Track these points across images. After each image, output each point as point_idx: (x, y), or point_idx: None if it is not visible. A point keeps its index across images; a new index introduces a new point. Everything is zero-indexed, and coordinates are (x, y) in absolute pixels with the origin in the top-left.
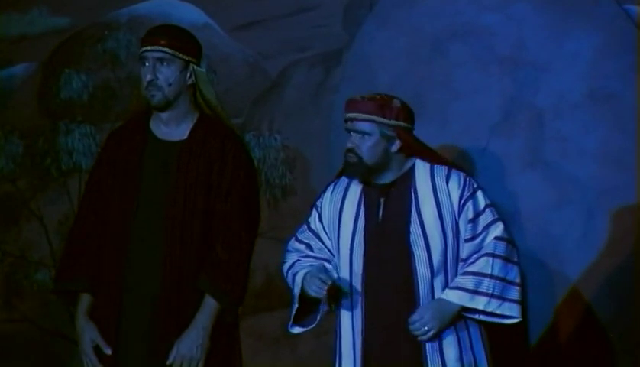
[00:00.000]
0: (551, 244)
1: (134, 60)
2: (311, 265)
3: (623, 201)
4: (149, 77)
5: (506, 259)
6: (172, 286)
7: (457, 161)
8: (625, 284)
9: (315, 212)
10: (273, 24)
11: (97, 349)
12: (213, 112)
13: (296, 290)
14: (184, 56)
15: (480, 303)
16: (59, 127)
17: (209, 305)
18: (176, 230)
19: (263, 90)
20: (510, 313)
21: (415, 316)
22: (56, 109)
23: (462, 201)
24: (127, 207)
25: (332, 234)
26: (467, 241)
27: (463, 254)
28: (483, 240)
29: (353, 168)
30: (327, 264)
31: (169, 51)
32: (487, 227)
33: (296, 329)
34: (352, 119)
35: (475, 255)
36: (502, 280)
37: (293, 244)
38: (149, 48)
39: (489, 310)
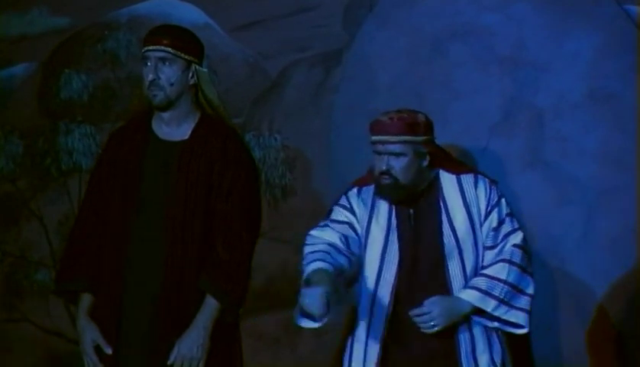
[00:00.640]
0: (551, 244)
1: (134, 60)
2: (321, 260)
3: (623, 201)
4: (151, 77)
5: (522, 268)
6: (172, 286)
7: None
8: (625, 284)
9: (339, 208)
10: (273, 24)
11: (98, 349)
12: (215, 112)
13: (304, 277)
14: (186, 56)
15: (489, 305)
16: (59, 127)
17: (210, 305)
18: (176, 230)
19: (263, 90)
20: (516, 320)
21: (423, 309)
22: (56, 109)
23: (488, 208)
24: (127, 207)
25: (362, 231)
26: (487, 248)
27: (485, 261)
28: (502, 248)
29: (389, 189)
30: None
31: (172, 51)
32: (507, 236)
33: (304, 323)
34: (382, 142)
35: (493, 259)
36: (515, 288)
37: (320, 230)
38: (151, 48)
39: (496, 313)
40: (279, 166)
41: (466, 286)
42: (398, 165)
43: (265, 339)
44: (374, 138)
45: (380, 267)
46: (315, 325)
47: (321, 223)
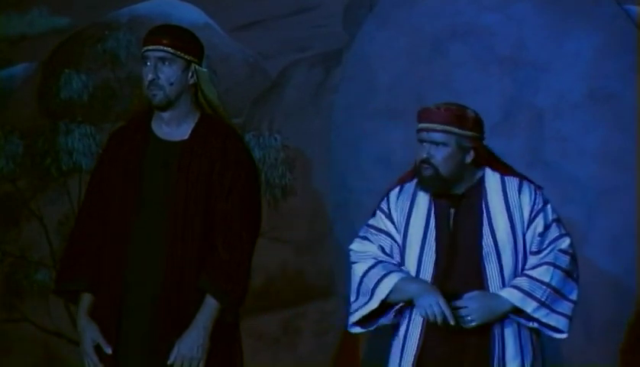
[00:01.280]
0: None
1: (134, 60)
2: (399, 272)
3: (623, 201)
4: (150, 76)
5: (567, 273)
6: (173, 286)
7: None
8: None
9: (381, 215)
10: (273, 24)
11: (98, 349)
12: (214, 112)
13: (380, 294)
14: (186, 56)
15: (529, 306)
16: (59, 127)
17: (210, 305)
18: (177, 230)
19: (263, 90)
20: (557, 324)
21: (461, 302)
22: (56, 109)
23: (533, 214)
24: (128, 207)
25: (399, 238)
26: (532, 254)
27: (528, 266)
28: (548, 254)
29: (429, 180)
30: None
31: (171, 51)
32: (554, 241)
33: (356, 329)
34: (427, 129)
35: (537, 262)
36: (557, 292)
37: (363, 245)
38: (151, 47)
39: (535, 315)
40: (279, 166)
41: (507, 285)
42: (439, 155)
43: (265, 339)
44: (419, 125)
45: (418, 267)
46: (364, 330)
47: (361, 233)
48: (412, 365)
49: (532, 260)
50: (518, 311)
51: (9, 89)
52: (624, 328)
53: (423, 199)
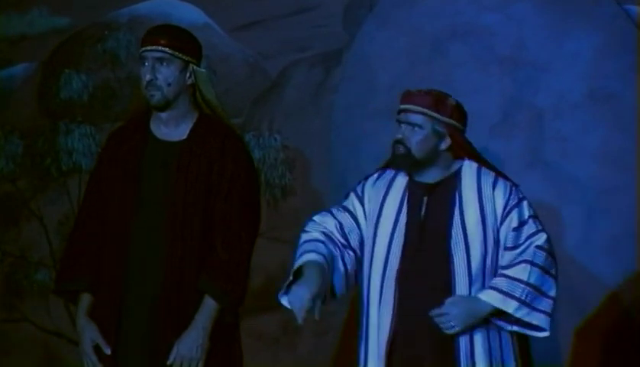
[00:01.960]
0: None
1: (134, 60)
2: (319, 255)
3: (623, 201)
4: (148, 77)
5: (544, 270)
6: (172, 286)
7: None
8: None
9: (353, 196)
10: (273, 24)
11: (97, 349)
12: (213, 112)
13: (291, 274)
14: (183, 57)
15: (510, 306)
16: (59, 127)
17: (209, 305)
18: (176, 230)
19: (263, 90)
20: (538, 322)
21: (442, 310)
22: (56, 109)
23: (507, 209)
24: (127, 207)
25: (370, 222)
26: (508, 249)
27: (504, 262)
28: (524, 250)
29: (401, 160)
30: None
31: (169, 51)
32: (530, 237)
33: (284, 300)
34: (405, 111)
35: (514, 260)
36: (537, 289)
37: (323, 216)
38: (149, 48)
39: (517, 315)
40: (279, 166)
41: (486, 287)
42: (414, 137)
43: (265, 339)
44: (399, 107)
45: (388, 252)
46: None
47: (332, 208)
48: (385, 353)
49: (508, 256)
50: (499, 313)
51: (9, 89)
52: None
53: (399, 186)
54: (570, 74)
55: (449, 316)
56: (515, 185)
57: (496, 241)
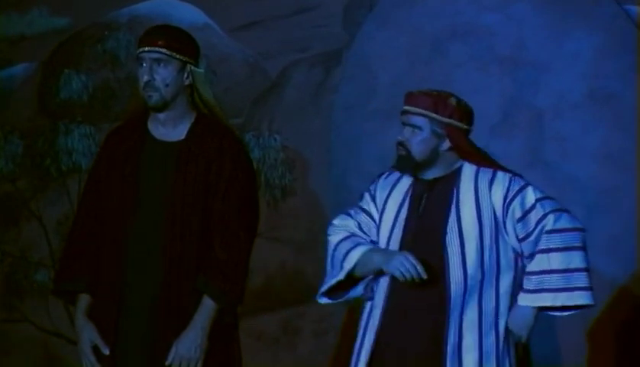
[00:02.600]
0: None
1: (133, 60)
2: (368, 244)
3: (623, 201)
4: (146, 78)
5: (564, 249)
6: (171, 286)
7: None
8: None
9: (367, 195)
10: (273, 24)
11: (96, 349)
12: (210, 112)
13: (347, 265)
14: (181, 57)
15: (546, 300)
16: (59, 127)
17: (207, 305)
18: (175, 230)
19: (263, 90)
20: (582, 301)
21: (509, 328)
22: (55, 109)
23: (507, 201)
24: (126, 208)
25: (377, 217)
26: (522, 240)
27: (526, 253)
28: (537, 239)
29: (402, 161)
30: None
31: (166, 52)
32: (539, 222)
33: (324, 300)
34: (406, 112)
35: (532, 251)
36: (565, 271)
37: (343, 219)
38: (146, 49)
39: (558, 304)
40: (279, 166)
41: (520, 291)
42: (413, 139)
43: (265, 339)
44: (402, 108)
45: (387, 244)
46: (333, 302)
47: (348, 210)
48: (372, 343)
49: (526, 246)
50: (546, 307)
51: (9, 89)
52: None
53: (404, 182)
54: (570, 74)
55: (514, 333)
56: (516, 175)
57: (495, 238)
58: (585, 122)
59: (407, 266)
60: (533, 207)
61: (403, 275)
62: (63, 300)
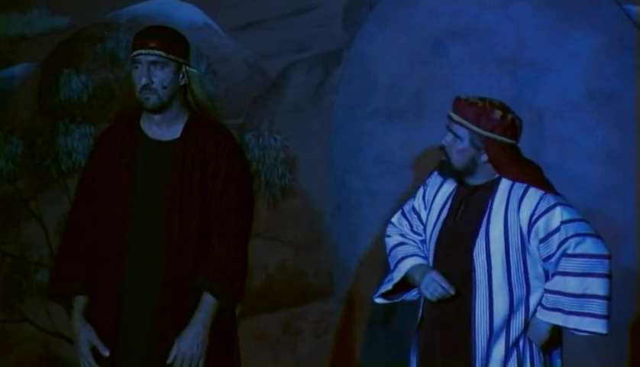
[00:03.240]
0: None
1: None
2: (418, 256)
3: (623, 201)
4: (144, 81)
5: (582, 275)
6: (171, 285)
7: None
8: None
9: (419, 192)
10: (273, 24)
11: (95, 350)
12: (202, 111)
13: (396, 277)
14: (178, 59)
15: (558, 319)
16: (59, 127)
17: (208, 302)
18: (173, 229)
19: (263, 90)
20: (593, 328)
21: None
22: (55, 109)
23: (532, 220)
24: (123, 208)
25: (425, 215)
26: (545, 260)
27: (550, 271)
28: (557, 261)
29: (441, 165)
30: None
31: (164, 55)
32: (561, 244)
33: (380, 300)
34: (450, 119)
35: (552, 271)
36: (581, 296)
37: (399, 218)
38: (143, 51)
39: (569, 326)
40: (279, 166)
41: (540, 305)
42: (453, 146)
43: (265, 339)
44: (449, 113)
45: (429, 244)
46: (389, 302)
47: (404, 206)
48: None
49: (549, 266)
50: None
51: (9, 89)
52: (625, 330)
53: (450, 184)
54: (570, 74)
55: (537, 345)
56: (549, 192)
57: (522, 254)
58: (585, 122)
59: (434, 286)
60: (557, 229)
61: (432, 295)
62: (58, 302)
